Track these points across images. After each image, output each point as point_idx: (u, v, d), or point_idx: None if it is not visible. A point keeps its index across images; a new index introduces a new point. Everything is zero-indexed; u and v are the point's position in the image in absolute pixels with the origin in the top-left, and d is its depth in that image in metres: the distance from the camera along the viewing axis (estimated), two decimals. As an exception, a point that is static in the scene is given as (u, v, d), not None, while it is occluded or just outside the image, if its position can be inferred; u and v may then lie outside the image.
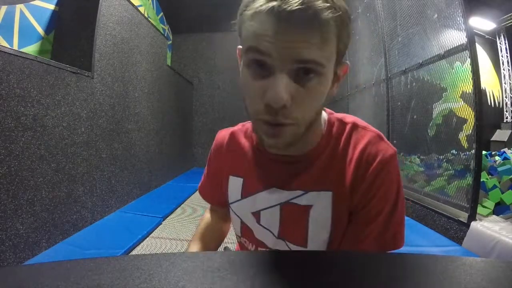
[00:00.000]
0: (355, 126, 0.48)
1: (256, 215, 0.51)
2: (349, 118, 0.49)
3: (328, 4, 0.33)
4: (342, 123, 0.48)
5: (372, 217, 0.44)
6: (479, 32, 5.12)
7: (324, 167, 0.46)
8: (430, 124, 2.27)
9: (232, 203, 0.55)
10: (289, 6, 0.32)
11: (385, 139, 0.47)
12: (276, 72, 0.35)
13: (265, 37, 0.34)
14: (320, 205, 0.46)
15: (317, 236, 0.47)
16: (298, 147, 0.46)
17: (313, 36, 0.34)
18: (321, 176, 0.46)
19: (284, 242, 0.50)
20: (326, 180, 0.46)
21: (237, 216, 0.55)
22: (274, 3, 0.33)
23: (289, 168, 0.48)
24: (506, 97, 5.56)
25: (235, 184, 0.54)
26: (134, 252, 1.78)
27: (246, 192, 0.52)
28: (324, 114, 0.49)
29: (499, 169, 2.32)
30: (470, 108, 1.83)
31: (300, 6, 0.32)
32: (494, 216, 1.93)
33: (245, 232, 0.55)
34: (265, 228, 0.51)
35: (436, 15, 2.12)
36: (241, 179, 0.53)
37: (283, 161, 0.48)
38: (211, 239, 0.63)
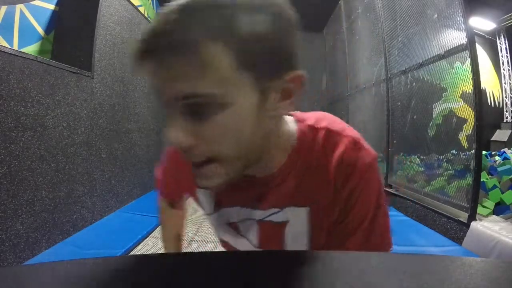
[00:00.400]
0: (328, 132, 0.41)
1: (233, 225, 0.48)
2: (322, 121, 0.43)
3: (189, 20, 0.27)
4: (314, 130, 0.42)
5: (354, 227, 0.41)
6: (479, 32, 5.12)
7: (299, 182, 0.42)
8: (430, 124, 2.27)
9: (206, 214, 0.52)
10: (144, 42, 0.28)
11: (362, 141, 0.42)
12: (170, 112, 0.31)
13: (149, 79, 0.30)
14: (296, 221, 0.44)
15: (295, 249, 0.46)
16: (263, 169, 0.41)
17: (180, 67, 0.28)
18: (295, 192, 0.42)
19: None
20: (302, 196, 0.42)
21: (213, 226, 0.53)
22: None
23: (259, 189, 0.43)
24: (506, 97, 5.56)
25: (205, 197, 0.49)
26: (134, 252, 1.78)
27: (218, 207, 0.48)
28: (293, 124, 0.42)
29: (499, 169, 2.33)
30: (470, 108, 1.83)
31: (150, 39, 0.27)
32: (494, 216, 1.93)
33: (223, 241, 0.54)
34: (244, 237, 0.49)
35: (436, 15, 2.12)
36: (210, 195, 0.48)
37: (251, 183, 0.42)
38: (182, 228, 0.69)
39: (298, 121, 0.43)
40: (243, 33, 0.28)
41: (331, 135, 0.41)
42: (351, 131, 0.42)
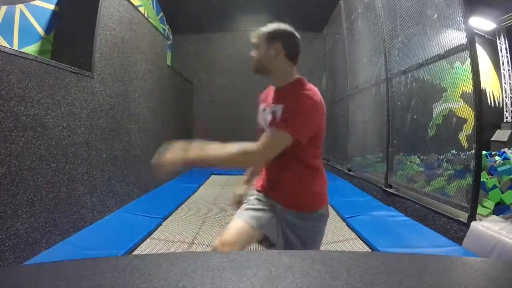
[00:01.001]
0: (305, 88, 0.94)
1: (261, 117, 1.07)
2: (308, 85, 0.96)
3: (262, 32, 0.96)
4: (302, 84, 0.96)
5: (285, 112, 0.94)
6: (479, 32, 5.12)
7: (285, 95, 0.95)
8: (430, 124, 2.27)
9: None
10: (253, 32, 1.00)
11: (316, 95, 0.92)
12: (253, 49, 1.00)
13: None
14: (269, 111, 1.01)
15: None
16: (278, 84, 1.01)
17: (255, 38, 0.97)
18: (281, 96, 0.97)
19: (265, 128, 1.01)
20: (282, 99, 0.96)
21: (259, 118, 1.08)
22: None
23: (275, 94, 1.02)
24: (506, 97, 5.57)
25: (261, 107, 1.08)
26: (134, 252, 1.78)
27: (263, 105, 1.07)
28: (295, 77, 0.98)
29: (499, 169, 2.33)
30: (470, 108, 1.83)
31: (254, 32, 0.99)
32: (494, 216, 1.93)
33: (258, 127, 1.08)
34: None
35: (436, 15, 2.12)
36: (264, 104, 1.06)
37: (275, 90, 1.03)
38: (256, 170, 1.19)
39: (298, 79, 0.99)
40: (269, 37, 0.97)
41: (305, 88, 0.94)
42: (314, 92, 0.93)
